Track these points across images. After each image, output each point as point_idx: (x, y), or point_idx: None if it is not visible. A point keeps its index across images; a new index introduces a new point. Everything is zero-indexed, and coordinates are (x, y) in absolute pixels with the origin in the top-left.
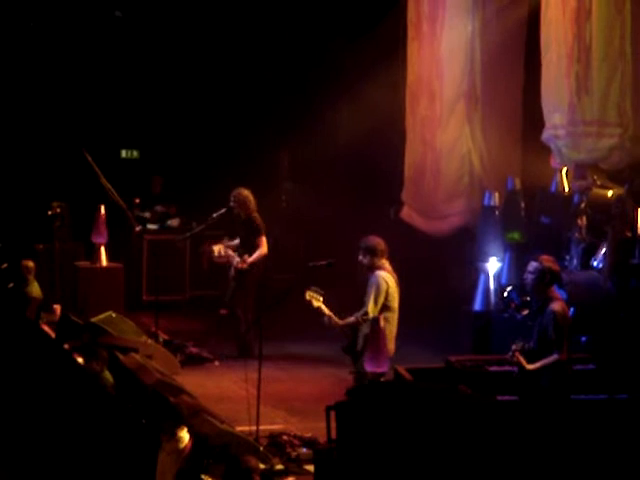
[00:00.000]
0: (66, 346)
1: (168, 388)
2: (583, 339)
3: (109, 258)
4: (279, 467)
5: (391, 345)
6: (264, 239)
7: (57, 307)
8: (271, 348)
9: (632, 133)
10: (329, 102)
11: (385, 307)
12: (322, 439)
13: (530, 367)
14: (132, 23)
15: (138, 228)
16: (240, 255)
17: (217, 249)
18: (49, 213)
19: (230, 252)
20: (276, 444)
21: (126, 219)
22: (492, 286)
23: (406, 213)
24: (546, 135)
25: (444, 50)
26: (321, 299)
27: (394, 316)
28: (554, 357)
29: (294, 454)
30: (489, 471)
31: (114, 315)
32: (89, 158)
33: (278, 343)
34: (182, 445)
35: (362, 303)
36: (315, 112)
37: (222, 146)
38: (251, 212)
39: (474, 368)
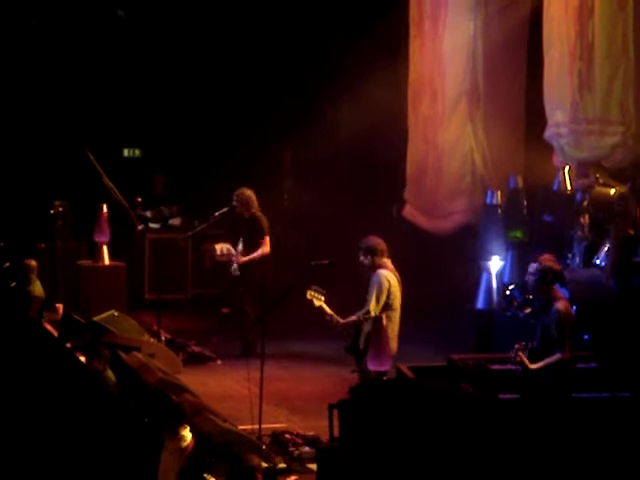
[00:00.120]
0: (68, 345)
1: (170, 387)
2: (585, 337)
3: (111, 257)
4: (282, 466)
5: (393, 344)
6: (267, 239)
7: (59, 306)
8: (273, 347)
9: (634, 131)
10: (330, 101)
11: (387, 306)
12: (325, 438)
13: (533, 367)
14: (135, 23)
15: (140, 227)
16: (243, 255)
17: (219, 248)
18: (51, 212)
19: (232, 250)
20: (279, 443)
21: (128, 218)
22: (494, 284)
23: (408, 211)
24: (548, 133)
25: (446, 48)
26: (322, 298)
27: (396, 315)
28: (557, 356)
29: (297, 453)
30: (492, 469)
31: (116, 314)
32: (91, 157)
33: (280, 342)
34: (184, 444)
35: (364, 302)
36: (316, 111)
37: (224, 145)
38: (254, 212)
39: (476, 366)
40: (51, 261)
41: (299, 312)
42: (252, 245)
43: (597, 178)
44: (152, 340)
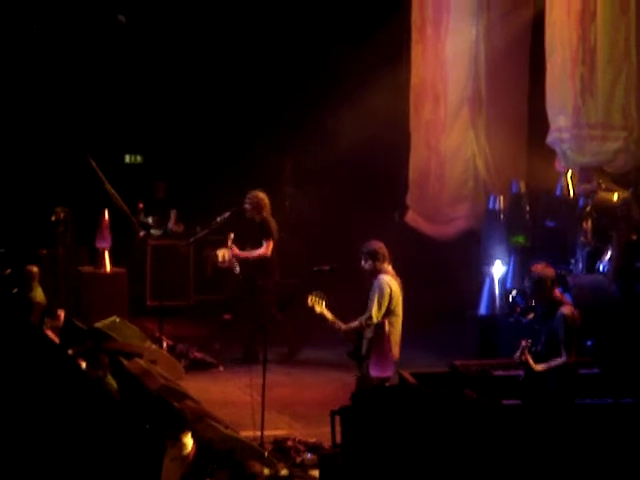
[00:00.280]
0: (70, 351)
1: (172, 393)
2: (588, 343)
3: (113, 263)
4: (284, 472)
5: (396, 349)
6: (271, 243)
7: (61, 312)
8: (275, 353)
9: (637, 136)
10: (331, 107)
11: (389, 311)
12: (327, 444)
13: (538, 368)
14: (136, 29)
15: (142, 234)
16: None
17: (221, 254)
18: (53, 218)
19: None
20: (281, 449)
21: (130, 224)
22: (497, 290)
23: (411, 217)
24: (551, 138)
25: (448, 54)
26: (323, 304)
27: (398, 320)
28: (562, 359)
29: (299, 459)
30: (495, 476)
31: (118, 320)
32: (93, 163)
33: (282, 348)
34: (186, 451)
35: (366, 307)
36: (317, 117)
37: (225, 151)
38: (265, 215)
39: (479, 372)
40: (52, 267)
41: (302, 318)
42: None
43: (600, 183)
44: (154, 346)
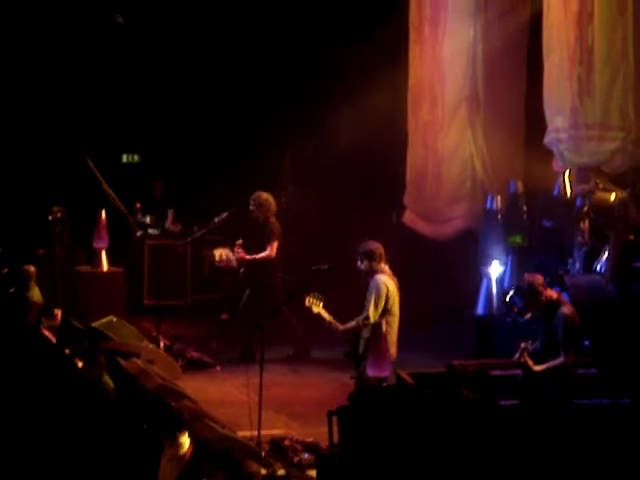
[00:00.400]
0: (67, 351)
1: (169, 393)
2: (586, 343)
3: (110, 263)
4: (281, 472)
5: (393, 349)
6: (274, 244)
7: (58, 312)
8: (272, 353)
9: (634, 136)
10: (330, 106)
11: (386, 311)
12: (324, 444)
13: (537, 368)
14: (134, 29)
15: (139, 233)
16: None
17: (218, 253)
18: (50, 218)
19: (231, 256)
20: (278, 449)
21: (127, 224)
22: (495, 290)
23: (408, 217)
24: (548, 138)
25: (446, 54)
26: (321, 304)
27: (395, 320)
28: (560, 360)
29: (296, 459)
30: (492, 476)
31: (115, 320)
32: (90, 163)
33: (279, 348)
34: (183, 450)
35: (362, 307)
36: (316, 116)
37: (223, 150)
38: (269, 216)
39: (477, 372)
40: (50, 267)
41: (299, 317)
42: (263, 250)
43: (597, 183)
44: (151, 346)
